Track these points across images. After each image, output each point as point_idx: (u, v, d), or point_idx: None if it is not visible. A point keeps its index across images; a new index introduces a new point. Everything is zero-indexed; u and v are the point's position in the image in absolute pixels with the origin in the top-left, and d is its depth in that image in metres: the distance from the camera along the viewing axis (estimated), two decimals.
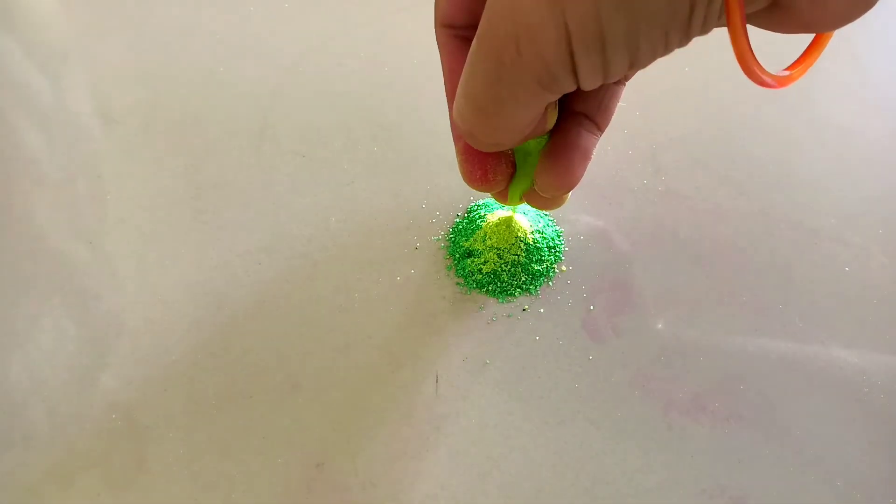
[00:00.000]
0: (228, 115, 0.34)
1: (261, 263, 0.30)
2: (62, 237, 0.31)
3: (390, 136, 0.33)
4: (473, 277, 0.29)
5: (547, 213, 0.31)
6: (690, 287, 0.29)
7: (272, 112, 0.34)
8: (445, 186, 0.31)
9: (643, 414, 0.26)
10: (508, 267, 0.29)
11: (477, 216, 0.30)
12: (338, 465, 0.26)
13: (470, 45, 0.20)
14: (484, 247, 0.29)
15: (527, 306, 0.29)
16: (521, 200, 0.25)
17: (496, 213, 0.30)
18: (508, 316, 0.29)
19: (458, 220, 0.31)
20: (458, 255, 0.30)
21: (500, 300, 0.29)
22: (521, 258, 0.29)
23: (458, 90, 0.19)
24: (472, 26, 0.22)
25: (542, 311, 0.29)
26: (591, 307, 0.29)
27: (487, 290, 0.29)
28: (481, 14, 0.19)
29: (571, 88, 0.18)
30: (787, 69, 0.20)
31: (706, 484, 0.25)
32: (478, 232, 0.30)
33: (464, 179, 0.23)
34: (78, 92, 0.35)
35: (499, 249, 0.29)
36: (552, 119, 0.22)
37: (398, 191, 0.31)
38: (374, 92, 0.34)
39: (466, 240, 0.30)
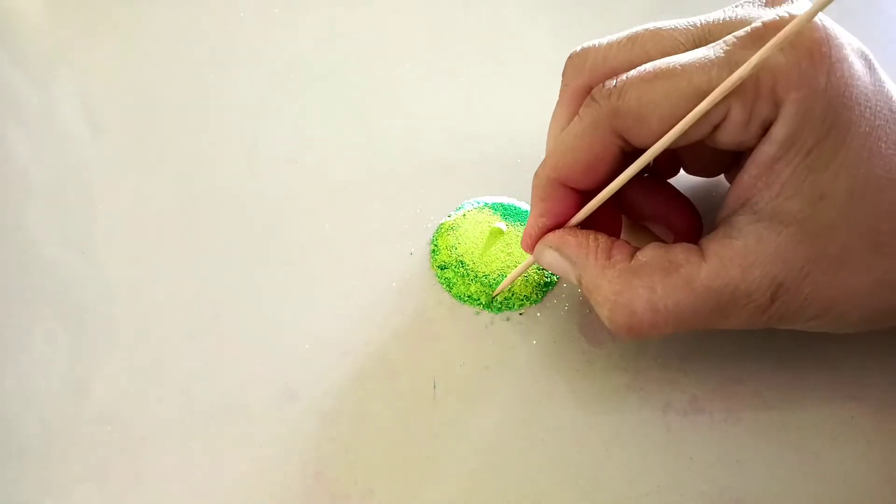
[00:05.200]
0: (220, 123, 0.34)
1: (255, 271, 0.30)
2: (53, 247, 0.31)
3: (384, 141, 0.33)
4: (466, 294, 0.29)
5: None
6: None
7: (264, 118, 0.34)
8: (440, 192, 0.31)
9: (642, 416, 0.26)
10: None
11: (462, 222, 0.30)
12: (336, 474, 0.26)
13: (572, 196, 0.24)
14: (476, 268, 0.29)
15: (523, 310, 0.29)
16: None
17: (484, 218, 0.30)
18: (507, 320, 0.28)
19: (443, 222, 0.31)
20: (439, 267, 0.30)
21: (494, 312, 0.29)
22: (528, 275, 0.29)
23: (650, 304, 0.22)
24: (590, 187, 0.24)
25: (538, 314, 0.29)
26: (589, 310, 0.29)
27: (481, 303, 0.29)
28: (601, 181, 0.23)
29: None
30: None
31: (705, 486, 0.25)
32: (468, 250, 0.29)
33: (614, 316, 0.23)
34: (67, 100, 0.34)
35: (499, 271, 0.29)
36: None
37: (392, 196, 0.31)
38: (366, 97, 0.34)
39: (449, 253, 0.30)
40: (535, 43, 0.36)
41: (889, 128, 0.20)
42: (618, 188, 0.23)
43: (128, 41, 0.36)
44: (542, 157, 0.32)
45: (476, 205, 0.31)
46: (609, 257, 0.23)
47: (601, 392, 0.27)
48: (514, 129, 0.33)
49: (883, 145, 0.20)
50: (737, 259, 0.20)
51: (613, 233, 0.25)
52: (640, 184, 0.26)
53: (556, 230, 0.25)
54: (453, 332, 0.28)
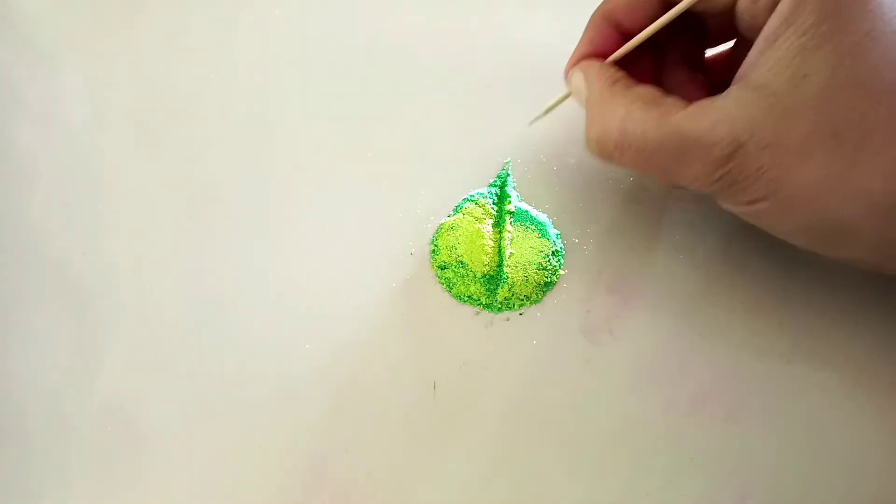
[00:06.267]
0: (222, 120, 0.34)
1: (255, 270, 0.30)
2: (57, 241, 0.31)
3: (384, 139, 0.33)
4: (464, 293, 0.29)
5: (541, 211, 0.31)
6: (686, 287, 0.29)
7: (266, 117, 0.34)
8: (440, 191, 0.31)
9: (642, 416, 0.26)
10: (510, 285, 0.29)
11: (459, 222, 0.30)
12: (336, 473, 0.26)
13: (616, 35, 0.26)
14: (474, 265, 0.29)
15: (523, 311, 0.29)
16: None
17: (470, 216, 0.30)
18: (507, 320, 0.28)
19: (443, 222, 0.31)
20: (438, 266, 0.30)
21: (494, 312, 0.29)
22: (528, 271, 0.29)
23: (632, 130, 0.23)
24: (632, 28, 0.26)
25: (538, 315, 0.29)
26: (588, 310, 0.28)
27: (481, 303, 0.29)
28: (645, 21, 0.25)
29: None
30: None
31: (705, 485, 0.25)
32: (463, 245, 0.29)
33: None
34: (71, 94, 0.34)
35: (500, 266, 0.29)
36: None
37: (392, 195, 0.31)
38: (367, 95, 0.34)
39: (448, 251, 0.30)
40: (536, 41, 0.35)
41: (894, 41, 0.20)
42: (653, 32, 0.25)
43: (131, 36, 0.36)
44: (543, 159, 0.32)
45: (476, 196, 0.31)
46: (614, 83, 0.24)
47: (601, 392, 0.27)
48: (514, 128, 0.33)
49: (880, 50, 0.20)
50: (711, 113, 0.22)
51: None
52: (686, 76, 0.27)
53: (590, 59, 0.26)
54: (453, 332, 0.28)
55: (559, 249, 0.30)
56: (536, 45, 0.35)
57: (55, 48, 0.36)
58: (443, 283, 0.29)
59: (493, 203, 0.31)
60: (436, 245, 0.30)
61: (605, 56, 0.26)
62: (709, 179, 0.22)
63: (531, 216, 0.30)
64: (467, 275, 0.29)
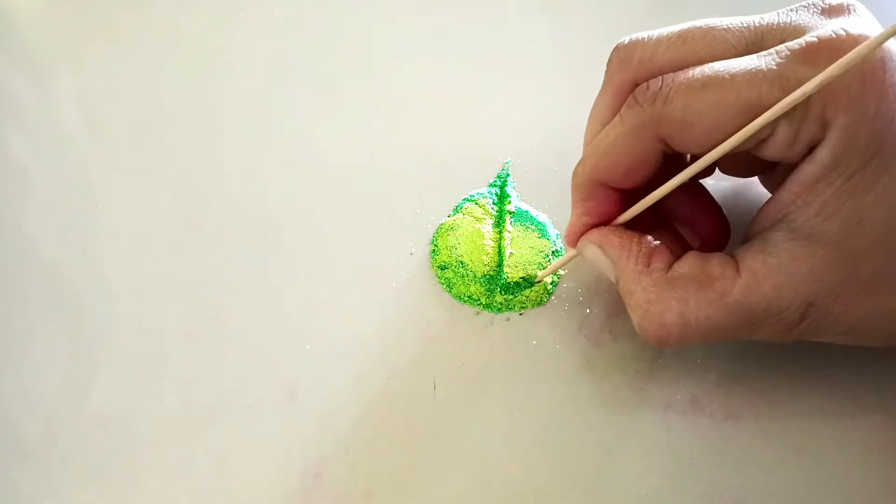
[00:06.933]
0: (220, 123, 0.34)
1: (255, 272, 0.30)
2: (53, 248, 0.31)
3: (384, 141, 0.33)
4: (464, 293, 0.29)
5: (541, 211, 0.31)
6: None
7: (264, 118, 0.34)
8: (440, 192, 0.31)
9: (642, 417, 0.26)
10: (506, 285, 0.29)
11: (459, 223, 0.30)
12: (336, 475, 0.26)
13: (613, 194, 0.24)
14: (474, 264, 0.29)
15: (523, 311, 0.29)
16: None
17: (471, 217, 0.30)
18: (507, 320, 0.28)
19: (442, 222, 0.31)
20: (438, 266, 0.29)
21: (494, 312, 0.29)
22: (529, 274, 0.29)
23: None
24: (630, 189, 0.24)
25: (538, 315, 0.28)
26: (588, 310, 0.28)
27: (481, 303, 0.29)
28: (642, 181, 0.23)
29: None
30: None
31: (705, 487, 0.25)
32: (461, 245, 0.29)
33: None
34: (67, 101, 0.34)
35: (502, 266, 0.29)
36: None
37: (392, 196, 0.31)
38: (366, 96, 0.34)
39: (448, 251, 0.29)
40: (535, 42, 0.35)
41: None
42: (665, 194, 0.23)
43: (128, 42, 0.36)
44: (541, 155, 0.32)
45: (476, 196, 0.31)
46: (648, 264, 0.23)
47: (601, 392, 0.27)
48: (514, 128, 0.33)
49: None
50: (771, 277, 0.21)
51: (644, 227, 0.25)
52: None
53: (601, 227, 0.25)
54: (453, 332, 0.28)
55: (559, 249, 0.30)
56: (538, 44, 0.35)
57: (50, 58, 0.36)
58: (443, 283, 0.29)
59: (493, 203, 0.31)
60: (436, 245, 0.30)
61: (607, 217, 0.25)
62: (785, 338, 0.22)
63: (531, 216, 0.30)
64: (467, 275, 0.29)
